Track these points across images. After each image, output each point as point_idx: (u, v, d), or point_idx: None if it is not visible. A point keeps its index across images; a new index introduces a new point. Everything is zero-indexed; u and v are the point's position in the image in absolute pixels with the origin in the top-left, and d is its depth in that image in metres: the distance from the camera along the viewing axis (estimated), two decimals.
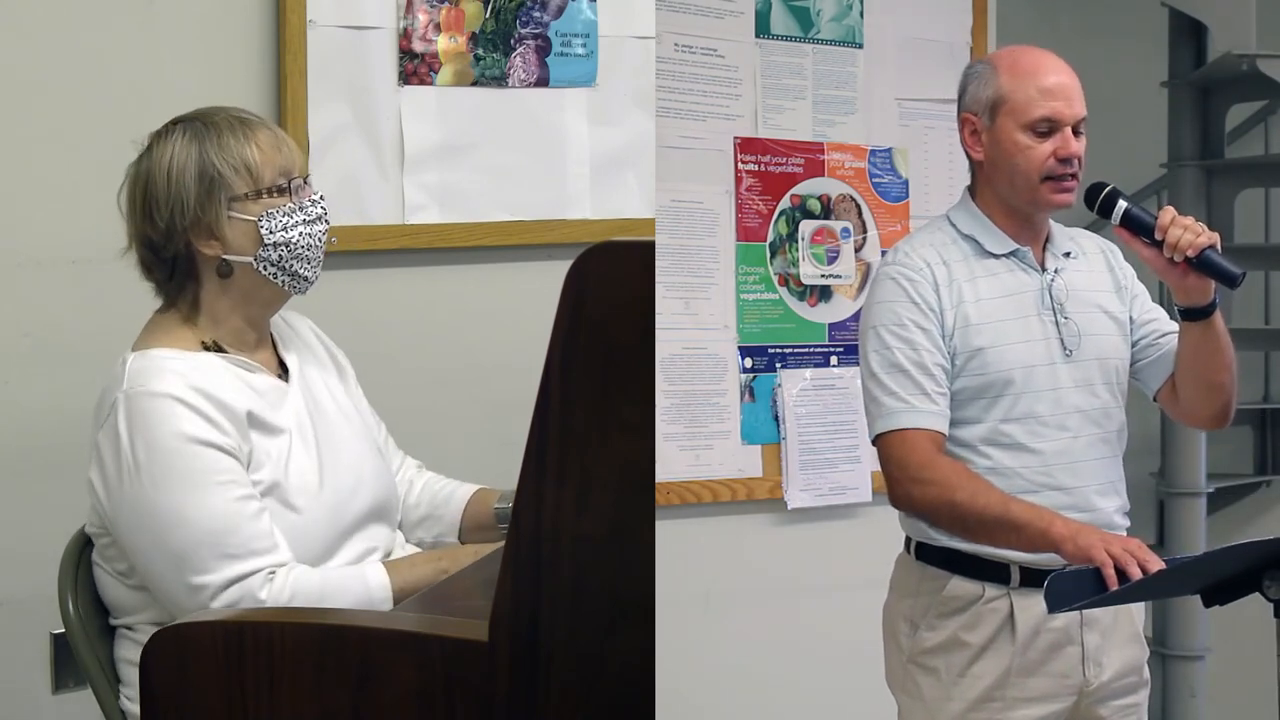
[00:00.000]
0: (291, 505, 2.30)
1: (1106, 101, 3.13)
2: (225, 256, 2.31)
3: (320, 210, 2.38)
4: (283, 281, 2.35)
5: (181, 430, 2.19)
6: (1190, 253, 2.29)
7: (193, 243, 2.31)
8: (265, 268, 2.33)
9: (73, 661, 2.42)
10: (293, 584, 2.20)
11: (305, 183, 2.38)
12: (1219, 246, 2.30)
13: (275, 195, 2.33)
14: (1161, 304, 2.59)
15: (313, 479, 2.34)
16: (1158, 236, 2.32)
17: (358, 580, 2.27)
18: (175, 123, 2.36)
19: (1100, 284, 2.51)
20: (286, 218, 2.33)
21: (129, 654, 2.29)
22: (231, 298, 2.34)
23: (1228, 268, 2.29)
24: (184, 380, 2.23)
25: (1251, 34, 4.17)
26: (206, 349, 2.32)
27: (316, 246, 2.37)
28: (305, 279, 2.37)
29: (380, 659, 1.79)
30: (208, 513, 2.18)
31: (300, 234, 2.34)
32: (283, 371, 2.43)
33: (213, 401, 2.23)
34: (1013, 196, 2.43)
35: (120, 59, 2.96)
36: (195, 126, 2.33)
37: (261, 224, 2.31)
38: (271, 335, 2.46)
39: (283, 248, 2.32)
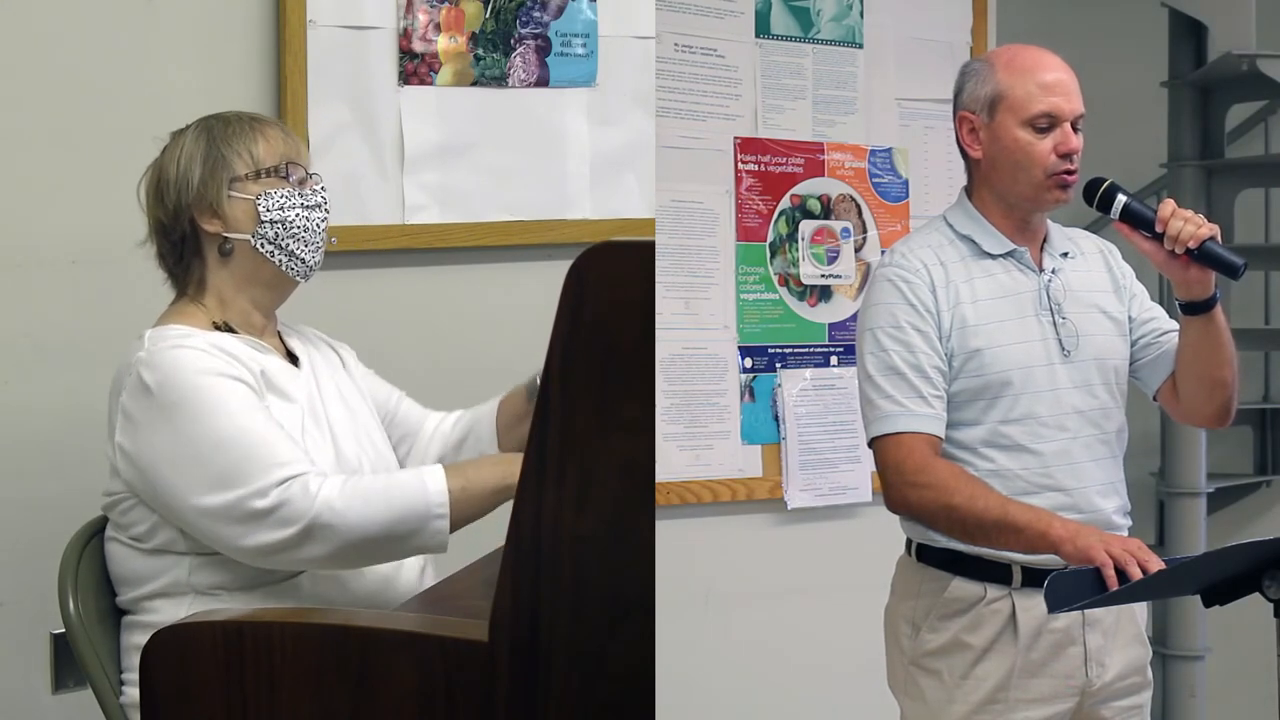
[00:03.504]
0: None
1: (1106, 101, 3.13)
2: (225, 234, 2.40)
3: (320, 199, 2.46)
4: (279, 261, 2.42)
5: (208, 367, 2.28)
6: (1191, 244, 2.29)
7: (196, 220, 2.40)
8: (262, 245, 2.40)
9: (73, 661, 2.42)
10: (343, 483, 2.22)
11: (309, 176, 2.47)
12: (1219, 238, 2.30)
13: (274, 177, 2.42)
14: (1161, 304, 2.59)
15: (327, 451, 2.40)
16: (1158, 229, 2.32)
17: (415, 480, 2.26)
18: (195, 122, 2.47)
19: (1098, 284, 2.50)
20: (284, 199, 2.42)
21: (138, 640, 2.29)
22: (234, 277, 2.42)
23: (1229, 258, 2.29)
24: (203, 340, 2.33)
25: (1251, 34, 4.17)
26: (218, 328, 2.40)
27: (315, 230, 2.44)
28: (303, 260, 2.44)
29: (380, 659, 1.79)
30: (245, 431, 2.24)
31: (297, 215, 2.42)
32: (291, 361, 2.49)
33: (231, 356, 2.33)
34: (1012, 194, 2.42)
35: (120, 59, 2.96)
36: (210, 123, 2.45)
37: (259, 202, 2.40)
38: (280, 335, 2.53)
39: (279, 225, 2.40)
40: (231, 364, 2.31)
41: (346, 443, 2.46)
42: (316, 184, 2.47)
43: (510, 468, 2.27)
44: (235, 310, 2.43)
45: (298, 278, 2.46)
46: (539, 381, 2.29)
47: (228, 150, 2.40)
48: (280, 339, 2.52)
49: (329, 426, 2.44)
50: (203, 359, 2.29)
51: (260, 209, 2.39)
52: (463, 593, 2.15)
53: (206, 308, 2.42)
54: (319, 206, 2.45)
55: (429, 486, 2.24)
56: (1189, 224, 2.29)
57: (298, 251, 2.43)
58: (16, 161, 2.88)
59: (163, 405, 2.26)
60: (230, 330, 2.41)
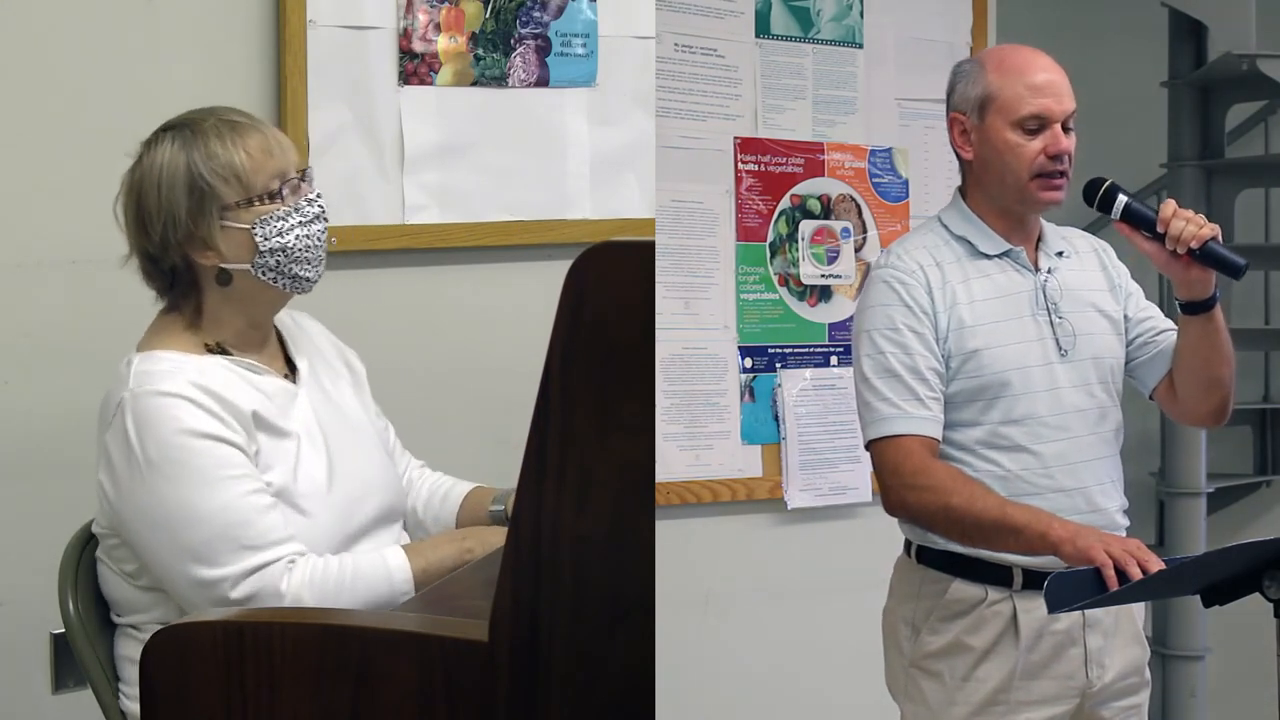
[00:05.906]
0: (300, 509, 2.28)
1: (1106, 101, 3.13)
2: (223, 266, 2.29)
3: (318, 209, 2.34)
4: (283, 284, 2.33)
5: (190, 426, 2.19)
6: (1194, 244, 2.29)
7: (189, 254, 2.29)
8: (264, 273, 2.30)
9: (73, 661, 2.42)
10: (312, 572, 2.19)
11: (302, 180, 2.34)
12: (1220, 239, 2.30)
13: (267, 201, 2.29)
14: (1160, 304, 2.59)
15: (321, 482, 2.33)
16: (1160, 229, 2.31)
17: (379, 567, 2.26)
18: (164, 129, 2.33)
19: (1094, 283, 2.50)
20: (281, 222, 2.30)
21: (130, 652, 2.29)
22: (233, 303, 2.32)
23: (1231, 258, 2.29)
24: (190, 380, 2.22)
25: (1251, 34, 4.17)
26: (210, 351, 2.31)
27: (316, 247, 2.33)
28: (306, 279, 2.34)
29: (380, 659, 1.79)
30: (220, 506, 2.17)
31: (297, 236, 2.30)
32: (290, 372, 2.42)
33: (219, 400, 2.22)
34: (1002, 195, 2.42)
35: (120, 59, 2.96)
36: (184, 134, 2.30)
37: (255, 231, 2.28)
38: (280, 335, 2.45)
39: (279, 253, 2.29)
40: (218, 419, 2.20)
41: (351, 458, 2.38)
42: (310, 191, 2.35)
43: (465, 543, 2.34)
44: (232, 330, 2.34)
45: (300, 294, 2.37)
46: (503, 510, 2.44)
47: (209, 174, 2.25)
48: (282, 344, 2.45)
49: (325, 447, 2.36)
50: (188, 414, 2.18)
51: (258, 238, 2.27)
52: (463, 593, 2.14)
53: (201, 330, 2.32)
54: (318, 218, 2.34)
55: (394, 576, 2.26)
56: (1190, 224, 2.29)
57: (301, 273, 2.32)
58: (16, 161, 2.88)
59: (142, 462, 2.18)
60: (224, 351, 2.32)
